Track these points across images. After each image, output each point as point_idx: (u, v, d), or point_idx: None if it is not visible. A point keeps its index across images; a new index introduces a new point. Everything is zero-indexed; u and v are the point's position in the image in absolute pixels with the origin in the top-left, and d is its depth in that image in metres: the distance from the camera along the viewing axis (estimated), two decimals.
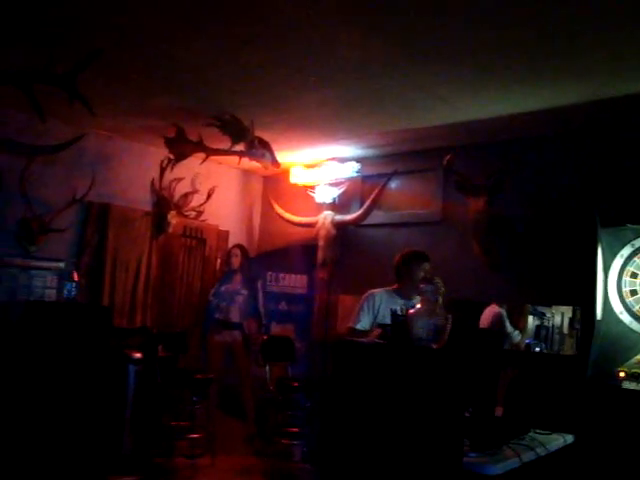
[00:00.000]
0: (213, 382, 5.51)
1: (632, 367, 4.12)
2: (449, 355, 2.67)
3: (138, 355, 4.86)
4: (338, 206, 6.24)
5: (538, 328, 4.83)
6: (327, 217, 6.16)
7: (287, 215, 6.53)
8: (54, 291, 5.32)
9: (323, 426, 3.49)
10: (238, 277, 6.27)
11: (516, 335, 4.83)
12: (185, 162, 5.41)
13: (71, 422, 4.38)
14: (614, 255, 4.38)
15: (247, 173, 6.96)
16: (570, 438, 3.24)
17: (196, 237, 6.46)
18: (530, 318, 4.89)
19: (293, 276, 6.49)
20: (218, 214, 6.55)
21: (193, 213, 6.23)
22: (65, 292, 5.35)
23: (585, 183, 4.68)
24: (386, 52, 3.65)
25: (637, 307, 4.25)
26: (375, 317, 3.81)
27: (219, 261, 6.63)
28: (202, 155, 5.30)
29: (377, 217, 5.95)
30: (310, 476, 5.20)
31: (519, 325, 4.87)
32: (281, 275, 6.53)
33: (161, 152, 5.57)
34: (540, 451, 2.87)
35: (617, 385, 4.09)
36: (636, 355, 4.17)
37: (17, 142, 4.40)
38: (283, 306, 6.45)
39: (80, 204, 5.48)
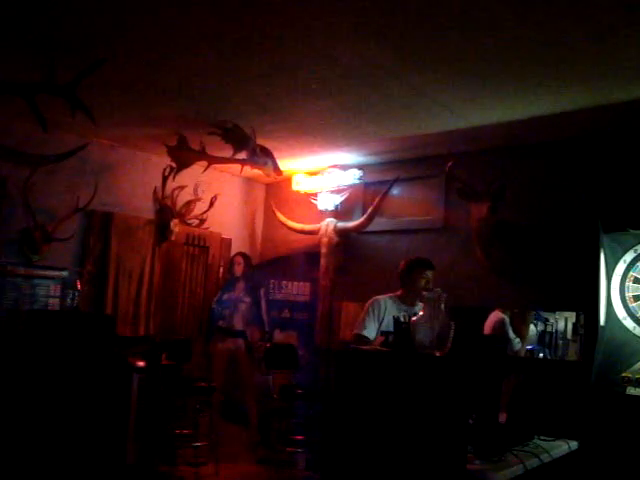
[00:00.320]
0: (216, 390, 5.49)
1: (636, 373, 4.10)
2: (452, 362, 2.66)
3: (141, 363, 4.87)
4: (340, 213, 6.23)
5: (542, 334, 4.82)
6: (329, 224, 6.16)
7: (289, 223, 6.52)
8: (57, 300, 5.31)
9: (327, 434, 3.48)
10: (241, 285, 6.28)
11: (517, 343, 4.82)
12: (187, 170, 5.42)
13: (75, 431, 4.38)
14: (617, 260, 4.38)
15: (249, 181, 6.97)
16: (574, 444, 3.23)
17: (199, 245, 6.46)
18: (532, 325, 4.89)
19: (296, 283, 6.49)
20: (221, 222, 6.55)
21: (196, 221, 6.23)
22: (68, 301, 5.36)
23: (587, 189, 4.68)
24: (388, 60, 3.66)
25: None
26: (380, 323, 3.81)
27: (222, 269, 6.63)
28: (204, 163, 5.33)
29: (379, 224, 5.95)
30: None
31: (521, 333, 4.86)
32: (284, 282, 6.52)
33: (163, 161, 5.59)
34: (544, 458, 2.86)
35: (621, 391, 4.08)
36: None
37: (20, 152, 4.39)
38: (286, 314, 6.44)
39: (83, 213, 5.48)
